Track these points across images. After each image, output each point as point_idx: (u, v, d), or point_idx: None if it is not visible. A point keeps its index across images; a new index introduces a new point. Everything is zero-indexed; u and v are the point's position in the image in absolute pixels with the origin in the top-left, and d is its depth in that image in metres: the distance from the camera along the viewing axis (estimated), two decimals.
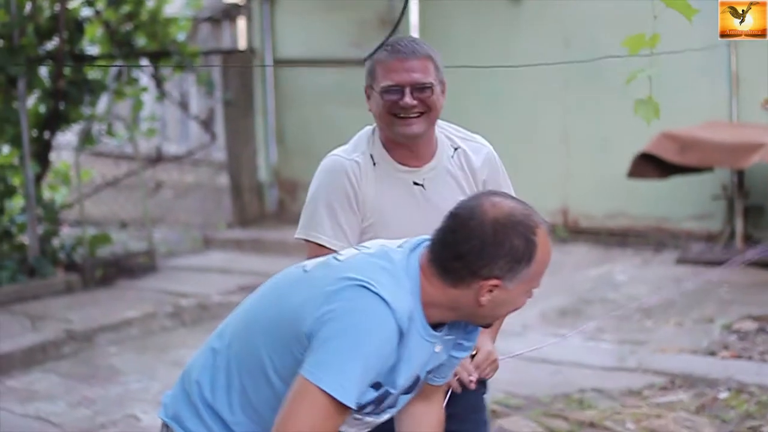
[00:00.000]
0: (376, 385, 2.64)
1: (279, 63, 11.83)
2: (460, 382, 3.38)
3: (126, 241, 10.42)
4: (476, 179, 3.50)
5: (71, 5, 9.83)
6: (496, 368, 3.48)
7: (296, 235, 3.50)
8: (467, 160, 3.52)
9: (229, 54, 11.90)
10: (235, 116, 11.57)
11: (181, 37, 11.07)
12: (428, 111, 3.37)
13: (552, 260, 2.74)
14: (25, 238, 9.36)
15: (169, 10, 11.13)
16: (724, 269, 8.60)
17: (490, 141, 3.61)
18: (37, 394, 6.79)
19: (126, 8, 10.36)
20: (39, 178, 9.57)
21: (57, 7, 9.50)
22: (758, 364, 6.59)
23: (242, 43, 12.23)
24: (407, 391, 2.77)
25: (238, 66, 11.61)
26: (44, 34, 9.62)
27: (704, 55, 9.08)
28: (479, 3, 10.57)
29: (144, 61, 10.89)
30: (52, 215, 9.49)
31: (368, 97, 3.45)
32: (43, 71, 9.70)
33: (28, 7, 9.39)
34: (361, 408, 2.65)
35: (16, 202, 9.61)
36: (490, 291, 2.63)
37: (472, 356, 3.40)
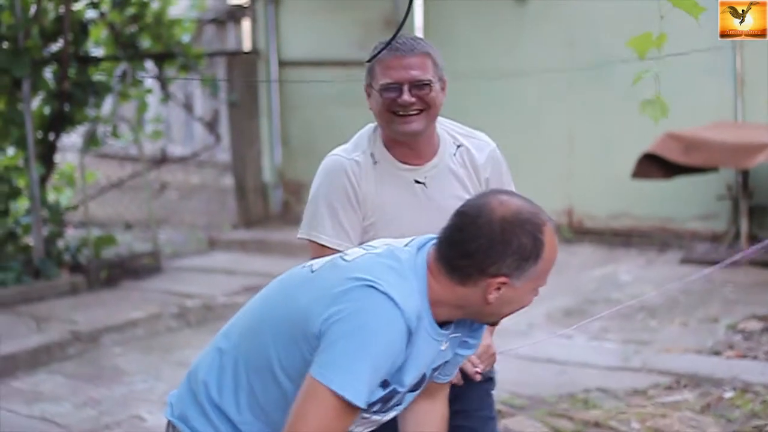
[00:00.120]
0: (383, 384, 2.65)
1: (285, 65, 11.83)
2: (465, 374, 3.38)
3: (131, 243, 10.43)
4: (479, 177, 3.50)
5: (76, 7, 9.84)
6: (493, 361, 3.50)
7: (298, 235, 3.51)
8: (470, 157, 3.51)
9: (234, 55, 11.91)
10: (239, 118, 11.58)
11: (185, 38, 11.08)
12: (427, 108, 3.37)
13: (557, 260, 2.75)
14: (30, 240, 9.37)
15: (174, 11, 11.15)
16: (726, 269, 8.59)
17: (493, 141, 3.61)
18: (43, 395, 6.80)
19: (131, 10, 10.38)
20: (44, 180, 9.58)
21: (62, 9, 9.51)
22: (763, 363, 6.59)
23: (247, 45, 12.24)
24: (413, 389, 2.78)
25: (259, 80, 11.63)
26: (49, 36, 9.63)
27: (709, 55, 9.07)
28: (483, 3, 10.57)
29: (149, 63, 10.91)
30: (56, 217, 9.50)
31: (368, 96, 3.46)
32: (48, 73, 9.71)
33: (32, 9, 9.40)
34: (368, 407, 2.65)
35: (21, 204, 9.62)
36: (498, 289, 2.65)
37: None
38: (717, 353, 6.84)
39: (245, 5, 12.38)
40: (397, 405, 2.78)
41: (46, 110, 9.76)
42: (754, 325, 7.28)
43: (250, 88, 11.62)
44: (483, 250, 2.62)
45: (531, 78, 9.80)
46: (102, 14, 10.26)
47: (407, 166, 3.45)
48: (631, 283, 8.72)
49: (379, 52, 3.40)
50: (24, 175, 9.41)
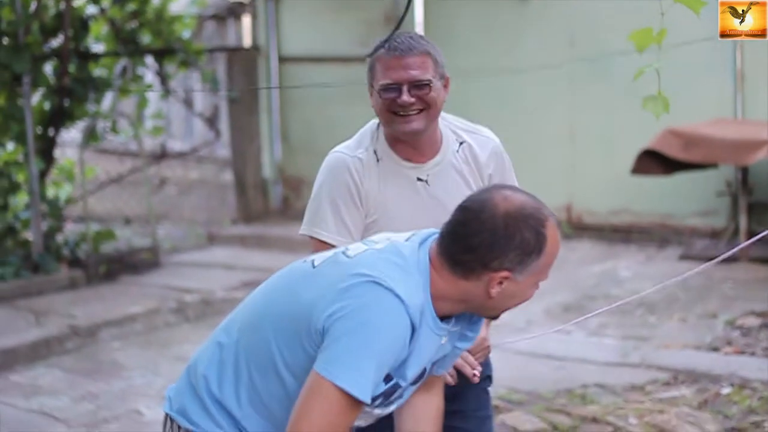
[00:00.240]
0: (386, 378, 2.66)
1: (285, 60, 11.83)
2: (462, 376, 3.37)
3: (130, 238, 10.44)
4: (482, 174, 3.49)
5: (76, 3, 9.85)
6: (487, 354, 3.50)
7: (300, 232, 3.51)
8: (473, 154, 3.50)
9: (234, 51, 11.90)
10: (239, 114, 11.58)
11: (186, 34, 11.08)
12: (427, 108, 3.36)
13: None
14: (29, 235, 9.38)
15: (174, 7, 11.15)
16: (725, 265, 8.59)
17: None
18: (41, 389, 6.81)
19: (131, 6, 10.39)
20: (43, 175, 9.59)
21: (62, 5, 9.52)
22: (761, 359, 6.59)
23: (247, 41, 12.24)
24: (414, 383, 2.79)
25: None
26: (49, 32, 9.64)
27: (709, 52, 9.09)
28: (485, 1, 10.57)
29: (149, 59, 10.91)
30: (56, 212, 9.50)
31: (371, 95, 3.45)
32: (48, 69, 9.72)
33: (33, 5, 9.41)
34: (371, 401, 2.66)
35: (21, 199, 9.62)
36: (500, 283, 2.66)
37: None
38: (715, 349, 6.84)
39: (245, 1, 12.37)
40: (398, 399, 2.78)
41: (46, 106, 9.77)
42: (753, 322, 7.28)
43: (251, 84, 11.62)
44: (486, 245, 2.63)
45: (531, 75, 9.79)
46: (102, 10, 10.27)
47: (410, 164, 3.45)
48: (630, 279, 8.73)
49: (377, 49, 3.40)
50: (23, 170, 9.42)
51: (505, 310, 2.79)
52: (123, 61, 10.58)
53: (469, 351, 3.38)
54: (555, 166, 10.22)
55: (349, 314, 2.56)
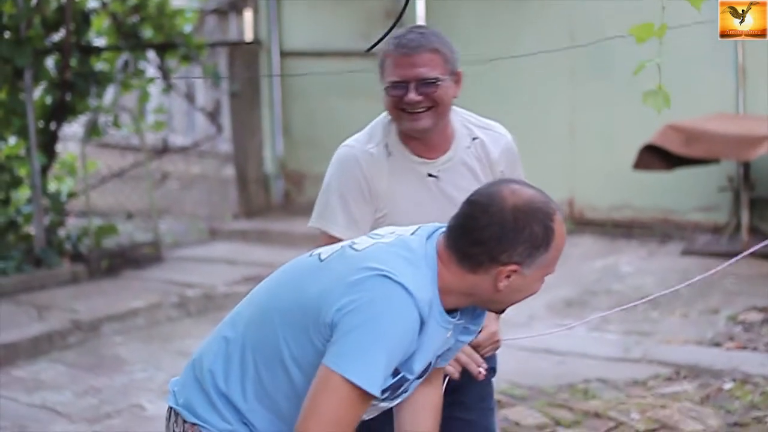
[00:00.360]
0: (394, 372, 2.67)
1: (287, 55, 11.82)
2: (466, 371, 3.36)
3: (132, 232, 10.43)
4: (494, 170, 3.48)
5: None
6: (496, 348, 3.49)
7: (309, 224, 3.51)
8: (485, 150, 3.49)
9: (236, 46, 11.90)
10: (241, 108, 11.57)
11: (187, 28, 11.08)
12: (435, 106, 3.34)
13: None
14: (31, 229, 9.38)
15: (176, 1, 11.15)
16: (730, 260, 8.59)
17: None
18: (43, 384, 6.81)
19: (133, 0, 10.38)
20: (45, 169, 9.58)
21: None
22: (763, 355, 6.59)
23: (249, 35, 12.22)
24: (419, 377, 2.79)
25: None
26: (51, 26, 9.63)
27: (711, 46, 9.08)
28: None
29: (150, 53, 10.91)
30: (58, 206, 9.51)
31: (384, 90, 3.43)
32: (50, 62, 9.71)
33: None
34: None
35: (23, 193, 9.62)
36: (508, 277, 2.67)
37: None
38: (717, 344, 6.85)
39: None
40: (404, 393, 2.79)
41: (48, 100, 9.77)
42: (755, 317, 7.28)
43: (252, 78, 11.61)
44: (495, 238, 2.64)
45: (532, 70, 9.79)
46: (104, 4, 10.27)
47: (421, 159, 3.44)
48: (632, 274, 8.73)
49: (376, 43, 3.39)
50: (25, 165, 9.42)
51: (512, 303, 2.81)
52: (124, 56, 10.58)
53: (478, 345, 3.38)
54: (556, 162, 10.21)
55: (358, 308, 2.57)
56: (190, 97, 12.73)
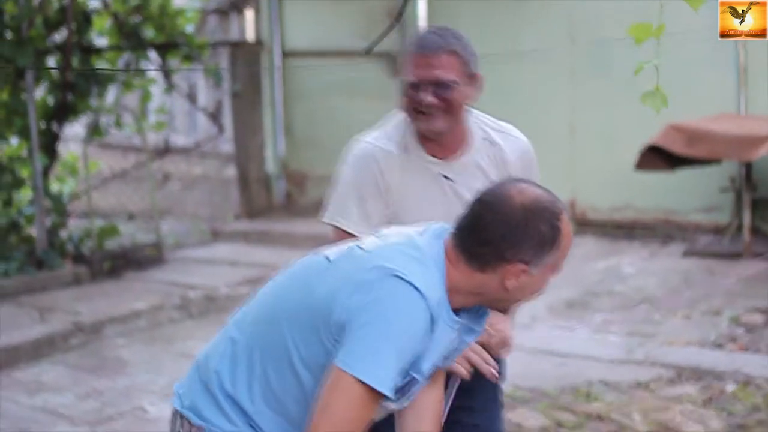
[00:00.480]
0: (403, 373, 2.66)
1: (289, 55, 11.82)
2: (478, 372, 3.32)
3: (134, 233, 10.43)
4: (508, 173, 3.46)
5: None
6: (510, 351, 3.45)
7: (323, 219, 3.48)
8: (501, 154, 3.48)
9: (237, 46, 11.90)
10: (243, 108, 11.57)
11: (189, 28, 11.08)
12: (449, 108, 3.33)
13: None
14: (33, 230, 9.38)
15: (178, 1, 11.16)
16: (730, 262, 8.60)
17: None
18: (45, 386, 6.81)
19: (134, 0, 10.38)
20: (47, 170, 9.59)
21: None
22: (766, 356, 6.59)
23: (250, 35, 12.23)
24: (427, 378, 2.79)
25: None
26: (52, 26, 9.64)
27: (712, 47, 9.07)
28: None
29: (152, 53, 10.91)
30: (60, 207, 9.51)
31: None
32: (51, 63, 9.71)
33: None
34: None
35: (24, 194, 9.63)
36: (516, 276, 2.68)
37: (489, 334, 3.37)
38: (719, 346, 6.84)
39: None
40: (413, 394, 2.79)
41: (50, 100, 9.78)
42: (757, 319, 7.28)
43: (254, 78, 11.62)
44: (503, 237, 2.65)
45: (533, 70, 9.78)
46: (105, 4, 10.28)
47: (436, 159, 3.42)
48: (633, 275, 8.72)
49: (374, 44, 3.38)
50: (27, 165, 9.42)
51: (518, 302, 2.84)
52: (126, 56, 10.58)
53: (491, 347, 3.36)
54: (557, 162, 10.21)
55: (369, 307, 2.57)
56: (191, 98, 12.74)
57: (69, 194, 10.00)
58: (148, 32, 10.65)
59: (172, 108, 13.29)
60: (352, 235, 3.28)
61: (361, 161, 3.43)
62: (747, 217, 9.06)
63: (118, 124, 10.69)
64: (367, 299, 2.58)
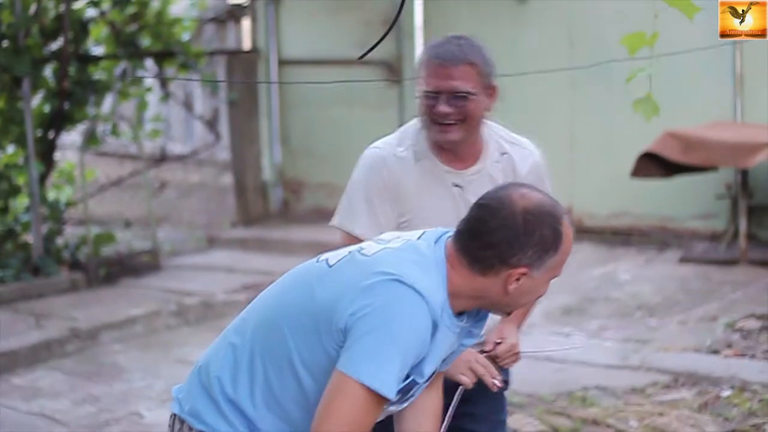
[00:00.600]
0: (405, 376, 2.67)
1: (285, 64, 11.83)
2: (481, 383, 3.32)
3: (130, 240, 10.44)
4: None
5: (76, 6, 9.86)
6: (516, 360, 3.46)
7: (332, 223, 3.48)
8: (513, 166, 3.48)
9: (234, 54, 11.91)
10: (239, 116, 11.58)
11: (185, 37, 11.10)
12: (465, 119, 3.32)
13: None
14: (29, 237, 9.38)
15: (174, 10, 11.16)
16: (725, 268, 8.60)
17: None
18: (42, 392, 6.81)
19: (131, 9, 10.40)
20: (43, 178, 9.59)
21: (62, 8, 9.53)
22: (761, 362, 6.59)
23: (247, 44, 12.25)
24: (428, 380, 2.80)
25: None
26: (49, 35, 9.65)
27: (709, 54, 9.07)
28: (484, 2, 10.57)
29: (149, 62, 10.92)
30: (56, 214, 9.51)
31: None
32: (48, 71, 9.72)
33: (33, 7, 9.42)
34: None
35: (21, 202, 9.63)
36: (518, 279, 2.69)
37: (497, 343, 3.37)
38: (715, 352, 6.84)
39: (245, 4, 12.39)
40: (412, 396, 2.80)
41: (46, 108, 9.78)
42: (753, 324, 7.28)
43: (250, 87, 11.63)
44: (505, 241, 2.66)
45: (531, 77, 9.79)
46: (102, 13, 10.28)
47: (449, 168, 3.41)
48: (630, 281, 8.73)
49: (369, 51, 3.38)
50: (24, 173, 9.42)
51: (520, 306, 2.84)
52: (123, 64, 10.59)
53: (497, 357, 3.36)
54: (555, 169, 10.05)
55: (372, 312, 2.57)
56: (188, 106, 12.75)
57: (66, 202, 10.00)
58: (145, 41, 10.66)
59: (168, 116, 13.31)
60: (361, 240, 3.27)
61: (371, 166, 3.43)
62: (743, 224, 9.07)
63: (115, 132, 10.70)
64: (370, 304, 2.58)
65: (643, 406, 5.95)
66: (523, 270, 2.68)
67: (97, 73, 10.28)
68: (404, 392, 2.72)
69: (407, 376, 2.67)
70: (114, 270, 9.50)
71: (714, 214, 9.64)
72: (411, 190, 3.40)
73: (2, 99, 9.34)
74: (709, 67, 9.41)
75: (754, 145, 8.52)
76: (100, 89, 9.99)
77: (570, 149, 10.24)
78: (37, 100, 9.74)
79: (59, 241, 9.57)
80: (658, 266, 9.21)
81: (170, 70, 11.02)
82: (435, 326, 2.64)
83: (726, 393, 6.08)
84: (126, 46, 10.38)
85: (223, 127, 12.29)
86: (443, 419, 3.11)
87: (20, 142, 9.36)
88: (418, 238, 2.79)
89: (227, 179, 12.15)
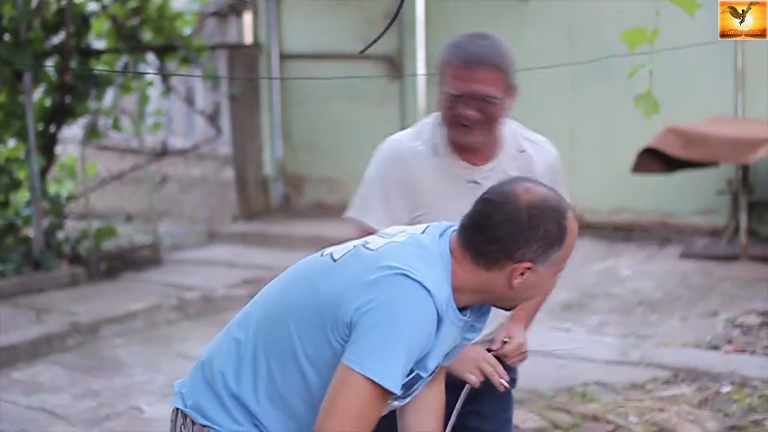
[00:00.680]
0: (409, 371, 2.67)
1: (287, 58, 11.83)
2: (489, 382, 3.31)
3: (131, 235, 10.45)
4: None
5: None
6: (523, 359, 3.44)
7: (348, 215, 3.46)
8: (530, 164, 3.46)
9: (235, 48, 11.91)
10: (240, 111, 11.59)
11: (187, 31, 11.10)
12: (489, 121, 3.30)
13: None
14: (30, 231, 9.39)
15: (176, 4, 11.17)
16: (726, 264, 8.60)
17: None
18: (42, 386, 6.81)
19: (132, 3, 10.41)
20: (44, 172, 9.60)
21: (63, 2, 9.53)
22: (761, 358, 6.59)
23: (248, 38, 12.24)
24: (431, 375, 2.80)
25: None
26: (51, 29, 9.65)
27: (710, 50, 9.08)
28: (485, 0, 10.57)
29: (150, 56, 10.92)
30: (57, 208, 9.52)
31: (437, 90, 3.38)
32: (50, 65, 9.72)
33: (34, 1, 9.41)
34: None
35: (22, 196, 9.64)
36: (522, 274, 2.69)
37: (504, 342, 3.37)
38: (715, 348, 6.84)
39: None
40: (415, 391, 2.80)
41: (48, 102, 9.78)
42: (753, 320, 7.28)
43: (252, 81, 11.63)
44: (511, 236, 2.66)
45: (532, 74, 9.77)
46: (104, 7, 10.29)
47: (465, 164, 3.39)
48: (631, 277, 8.73)
49: (369, 46, 3.36)
50: (25, 167, 9.43)
51: (524, 300, 2.84)
52: (124, 58, 10.59)
53: (505, 356, 3.35)
54: None
55: (378, 306, 2.57)
56: (189, 100, 12.76)
57: (67, 196, 10.00)
58: (147, 35, 10.66)
59: (170, 110, 13.32)
60: (375, 232, 3.27)
61: (387, 159, 3.41)
62: (744, 220, 9.08)
63: (116, 126, 10.70)
64: (375, 298, 2.58)
65: (643, 401, 5.95)
66: (527, 264, 2.68)
67: (99, 67, 10.28)
68: (408, 387, 2.72)
69: (411, 371, 2.67)
70: (115, 264, 9.50)
71: (715, 209, 9.64)
72: (427, 185, 3.38)
73: (4, 93, 9.35)
74: (711, 63, 9.42)
75: (754, 141, 8.52)
76: (101, 83, 9.99)
77: (571, 146, 10.23)
78: (38, 93, 9.74)
79: (60, 235, 9.58)
80: (659, 262, 9.21)
81: (172, 65, 11.02)
82: (440, 320, 2.64)
83: (726, 389, 6.08)
84: (127, 40, 10.38)
85: (225, 121, 12.30)
86: (450, 417, 3.11)
87: (21, 135, 9.36)
88: (422, 232, 2.78)
89: (228, 174, 12.15)
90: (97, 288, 8.99)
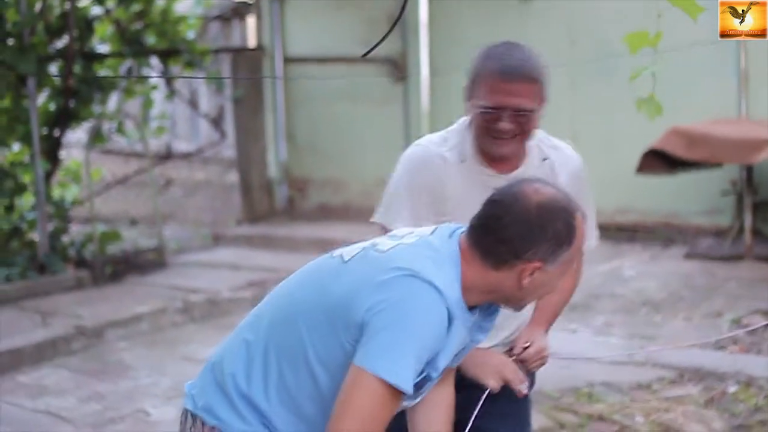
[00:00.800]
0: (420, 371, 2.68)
1: (290, 61, 11.84)
2: (508, 387, 3.29)
3: (136, 238, 10.45)
4: None
5: (81, 3, 9.87)
6: (543, 364, 3.43)
7: (374, 219, 3.45)
8: (553, 172, 3.44)
9: (239, 52, 11.92)
10: (244, 114, 11.60)
11: (190, 35, 11.10)
12: (523, 134, 3.29)
13: None
14: (35, 236, 9.40)
15: (179, 8, 11.17)
16: (730, 264, 8.60)
17: None
18: (48, 389, 6.82)
19: (136, 6, 10.41)
20: (49, 176, 9.61)
21: (67, 6, 9.53)
22: (767, 357, 6.59)
23: (252, 42, 12.25)
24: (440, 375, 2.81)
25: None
26: (54, 33, 9.66)
27: (712, 51, 9.09)
28: (487, 1, 10.58)
29: (154, 60, 10.93)
30: (62, 212, 9.53)
31: (467, 98, 3.34)
32: (53, 69, 9.73)
33: (38, 5, 9.42)
34: None
35: (27, 200, 9.64)
36: (532, 273, 2.70)
37: (525, 347, 3.36)
38: (721, 348, 6.84)
39: (250, 2, 12.39)
40: (425, 391, 2.81)
41: (52, 106, 9.79)
42: (758, 320, 7.27)
43: (256, 84, 11.64)
44: (520, 236, 2.68)
45: None
46: (107, 11, 10.29)
47: (492, 171, 3.38)
48: (635, 278, 8.73)
49: (372, 48, 3.35)
50: (29, 171, 9.44)
51: (532, 300, 2.86)
52: (128, 62, 10.60)
53: (526, 360, 3.34)
54: None
55: (389, 308, 2.58)
56: (193, 104, 12.77)
57: (71, 200, 10.01)
58: (150, 39, 10.67)
59: (174, 114, 13.33)
60: None
61: (414, 164, 3.41)
62: (748, 220, 9.08)
63: (120, 130, 10.71)
64: (386, 299, 2.59)
65: (649, 402, 5.95)
66: (537, 264, 2.69)
67: (103, 71, 10.28)
68: (418, 387, 2.72)
69: (422, 371, 2.68)
70: (120, 268, 9.51)
71: (719, 210, 9.64)
72: (453, 191, 3.38)
73: (8, 97, 9.35)
74: (714, 64, 9.42)
75: (759, 142, 8.52)
76: (105, 87, 10.00)
77: (573, 146, 10.23)
78: (42, 98, 9.74)
79: (65, 239, 9.59)
80: (663, 262, 9.21)
81: (175, 68, 11.02)
82: (450, 321, 2.65)
83: (732, 389, 6.08)
84: (131, 44, 10.38)
85: (229, 124, 12.31)
86: (468, 420, 3.11)
87: (26, 140, 9.37)
88: (431, 233, 2.80)
89: (233, 177, 12.16)
90: (102, 291, 9.00)
